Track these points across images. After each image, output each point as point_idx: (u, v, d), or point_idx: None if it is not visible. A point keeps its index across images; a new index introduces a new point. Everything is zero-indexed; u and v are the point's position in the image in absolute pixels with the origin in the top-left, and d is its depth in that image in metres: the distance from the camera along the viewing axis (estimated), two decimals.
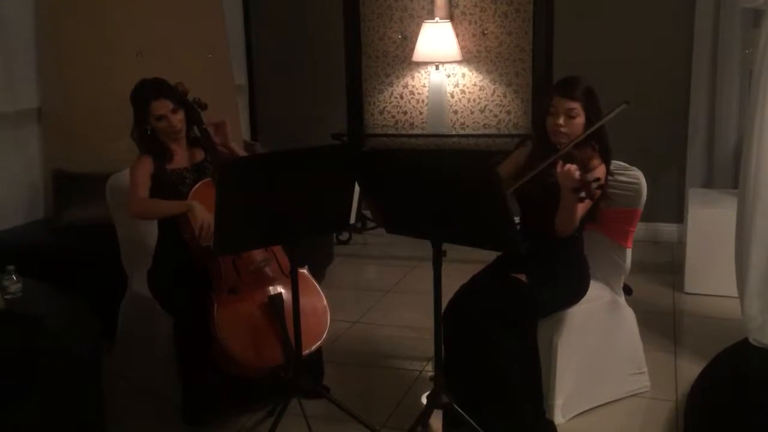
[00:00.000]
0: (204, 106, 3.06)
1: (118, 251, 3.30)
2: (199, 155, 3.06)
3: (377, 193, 2.61)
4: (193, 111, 3.02)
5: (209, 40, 4.61)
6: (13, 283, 2.71)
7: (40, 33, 4.01)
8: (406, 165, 2.55)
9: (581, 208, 2.62)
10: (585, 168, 2.50)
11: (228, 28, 4.88)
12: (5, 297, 2.65)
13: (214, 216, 2.46)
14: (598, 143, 2.68)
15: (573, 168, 2.47)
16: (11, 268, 2.73)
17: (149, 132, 2.96)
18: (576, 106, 2.65)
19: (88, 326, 2.68)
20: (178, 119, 2.95)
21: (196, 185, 2.93)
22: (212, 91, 3.13)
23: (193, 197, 2.89)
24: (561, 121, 2.66)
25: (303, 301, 2.76)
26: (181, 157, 3.03)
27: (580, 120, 2.66)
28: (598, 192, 2.48)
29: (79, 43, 4.05)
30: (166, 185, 2.96)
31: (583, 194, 2.45)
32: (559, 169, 2.51)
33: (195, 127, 3.04)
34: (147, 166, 2.95)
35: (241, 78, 5.32)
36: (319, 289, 3.02)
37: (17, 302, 2.67)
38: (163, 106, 2.91)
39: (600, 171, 2.65)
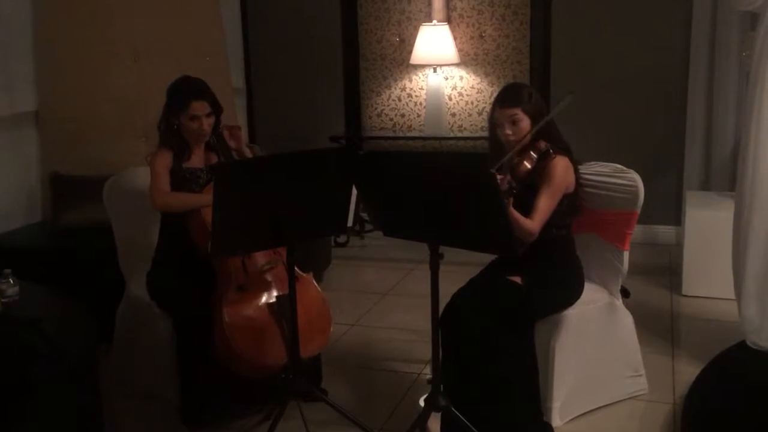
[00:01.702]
0: (221, 111, 3.08)
1: (116, 254, 3.29)
2: (214, 158, 3.09)
3: (374, 195, 2.61)
4: (218, 119, 3.05)
5: (207, 43, 4.61)
6: (11, 287, 2.71)
7: (37, 36, 4.01)
8: (403, 167, 2.55)
9: (544, 210, 2.64)
10: (513, 173, 2.61)
11: (226, 30, 4.88)
12: (2, 300, 2.65)
13: (212, 218, 2.47)
14: (548, 141, 2.71)
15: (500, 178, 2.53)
16: (8, 271, 2.73)
17: (175, 127, 2.98)
18: (516, 111, 2.70)
19: (86, 329, 2.68)
20: (209, 123, 2.99)
21: (210, 185, 2.95)
22: None
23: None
24: (508, 130, 2.71)
25: (309, 305, 2.77)
26: (197, 157, 3.05)
27: (525, 124, 2.70)
28: (507, 191, 2.57)
29: (76, 46, 4.06)
30: (181, 182, 2.98)
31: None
32: None
33: (213, 134, 3.06)
34: (167, 160, 2.98)
35: (239, 81, 5.32)
36: (324, 295, 3.03)
37: (14, 305, 2.67)
38: (202, 108, 2.95)
39: (558, 164, 2.67)
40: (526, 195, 2.67)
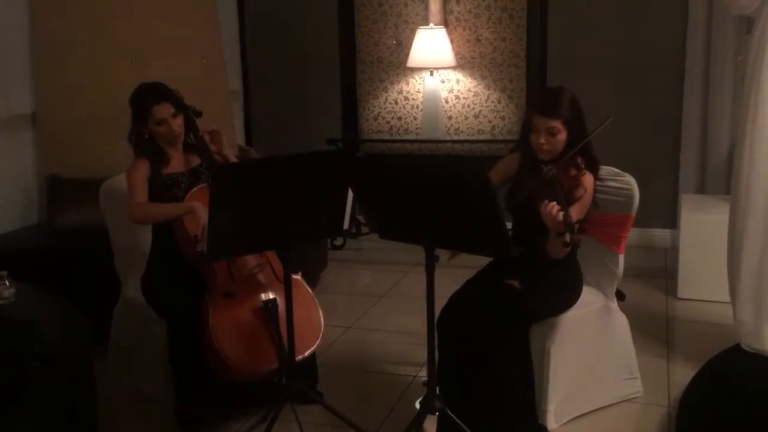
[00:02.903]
0: (199, 114, 3.08)
1: (112, 256, 3.30)
2: (195, 161, 3.07)
3: (371, 198, 2.62)
4: (189, 117, 3.04)
5: (204, 46, 4.61)
6: (6, 288, 2.71)
7: (34, 38, 4.01)
8: (399, 171, 2.56)
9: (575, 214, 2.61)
10: (569, 198, 2.51)
11: (223, 33, 4.89)
12: None
13: (208, 221, 2.47)
14: (583, 157, 2.67)
15: (555, 209, 2.43)
16: (4, 273, 2.73)
17: (147, 136, 2.96)
18: (557, 124, 2.62)
19: (82, 331, 2.68)
20: (178, 123, 2.97)
21: (193, 189, 2.94)
22: (207, 96, 3.15)
23: (190, 200, 2.90)
24: (542, 139, 2.65)
25: (296, 307, 2.77)
26: (177, 162, 3.03)
27: (562, 136, 2.64)
28: (583, 233, 2.43)
29: (73, 48, 4.05)
30: (162, 189, 2.97)
31: (567, 239, 2.40)
32: (542, 208, 2.47)
33: (190, 134, 3.05)
34: (143, 170, 2.96)
35: (235, 83, 5.32)
36: (313, 295, 3.03)
37: (10, 307, 2.67)
38: (164, 110, 2.93)
39: (588, 181, 2.67)
40: None
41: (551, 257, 2.61)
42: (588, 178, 2.68)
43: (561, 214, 2.42)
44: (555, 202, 2.44)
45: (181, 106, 2.98)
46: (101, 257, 3.33)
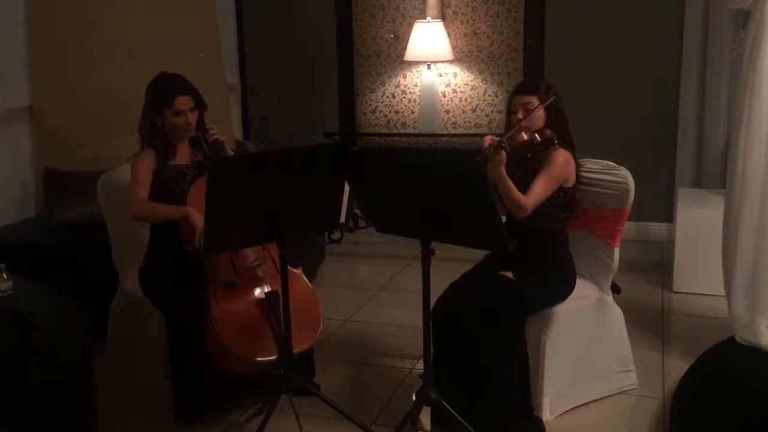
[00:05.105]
0: (205, 108, 3.08)
1: (110, 249, 3.30)
2: (200, 154, 3.07)
3: (367, 192, 2.63)
4: (201, 113, 3.04)
5: (201, 39, 4.61)
6: (4, 281, 2.72)
7: (31, 31, 4.00)
8: (396, 164, 2.57)
9: (537, 191, 2.68)
10: (511, 140, 2.69)
11: (220, 26, 4.89)
12: None
13: (205, 214, 2.47)
14: (557, 133, 2.76)
15: (487, 138, 2.67)
16: (2, 266, 2.74)
17: (160, 125, 2.96)
18: (531, 99, 2.77)
19: (79, 324, 2.69)
20: (194, 117, 2.97)
21: (196, 182, 2.94)
22: (204, 90, 3.13)
23: (192, 194, 2.89)
24: (520, 115, 2.77)
25: (297, 301, 2.78)
26: (183, 154, 3.04)
27: (539, 112, 2.77)
28: (489, 151, 2.63)
29: (70, 41, 4.06)
30: (168, 181, 2.98)
31: (479, 158, 2.63)
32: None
33: (198, 130, 3.05)
34: (149, 161, 2.96)
35: (233, 77, 5.33)
36: (313, 290, 3.04)
37: (8, 300, 2.68)
38: (186, 102, 2.93)
39: (561, 156, 2.73)
40: (526, 181, 2.71)
41: (514, 216, 2.69)
42: (560, 154, 2.74)
43: (488, 142, 2.64)
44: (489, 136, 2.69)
45: (200, 102, 2.99)
46: (99, 250, 3.33)
